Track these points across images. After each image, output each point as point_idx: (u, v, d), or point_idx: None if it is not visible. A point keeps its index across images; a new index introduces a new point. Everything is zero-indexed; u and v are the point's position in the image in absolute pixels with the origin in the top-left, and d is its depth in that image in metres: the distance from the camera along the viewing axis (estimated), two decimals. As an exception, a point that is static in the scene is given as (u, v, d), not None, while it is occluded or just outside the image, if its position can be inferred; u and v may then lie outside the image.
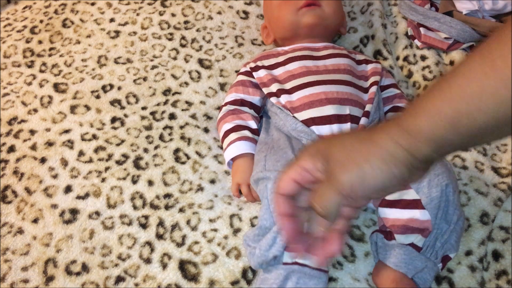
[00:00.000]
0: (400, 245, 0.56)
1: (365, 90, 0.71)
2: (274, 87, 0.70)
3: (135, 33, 0.88)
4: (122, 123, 0.75)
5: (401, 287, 0.55)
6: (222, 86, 0.81)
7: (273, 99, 0.70)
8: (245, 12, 0.92)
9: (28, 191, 0.68)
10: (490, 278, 0.59)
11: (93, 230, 0.63)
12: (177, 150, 0.72)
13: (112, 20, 0.90)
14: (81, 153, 0.71)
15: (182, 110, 0.77)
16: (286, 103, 0.69)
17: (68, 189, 0.67)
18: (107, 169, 0.69)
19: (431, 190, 0.56)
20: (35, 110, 0.76)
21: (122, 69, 0.82)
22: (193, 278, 0.59)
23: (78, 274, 0.60)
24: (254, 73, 0.74)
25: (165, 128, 0.74)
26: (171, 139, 0.73)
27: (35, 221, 0.65)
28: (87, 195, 0.67)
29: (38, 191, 0.67)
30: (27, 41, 0.88)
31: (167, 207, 0.65)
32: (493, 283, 0.59)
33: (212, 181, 0.69)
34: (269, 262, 0.55)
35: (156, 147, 0.72)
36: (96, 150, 0.71)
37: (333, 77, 0.70)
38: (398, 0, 0.92)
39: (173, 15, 0.90)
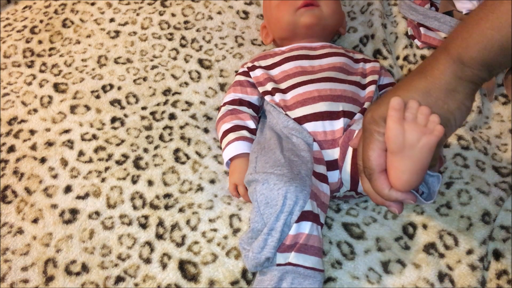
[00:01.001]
0: None
1: (363, 87, 0.71)
2: (269, 86, 0.71)
3: (135, 33, 0.88)
4: (122, 123, 0.75)
5: None
6: (222, 86, 0.81)
7: (267, 98, 0.70)
8: (245, 12, 0.92)
9: (28, 191, 0.68)
10: (491, 278, 0.59)
11: (93, 230, 0.63)
12: (177, 150, 0.72)
13: (112, 20, 0.90)
14: (81, 153, 0.71)
15: (182, 110, 0.77)
16: (280, 101, 0.69)
17: (68, 189, 0.67)
18: (107, 169, 0.69)
19: None
20: (35, 110, 0.76)
21: (122, 69, 0.82)
22: (193, 278, 0.59)
23: (78, 274, 0.60)
24: (251, 73, 0.74)
25: (165, 128, 0.74)
26: (171, 139, 0.73)
27: (35, 221, 0.65)
28: (87, 195, 0.67)
29: (38, 191, 0.67)
30: (27, 41, 0.88)
31: (167, 207, 0.65)
32: (494, 283, 0.59)
33: (212, 181, 0.69)
34: (262, 264, 0.55)
35: (156, 147, 0.72)
36: (96, 150, 0.71)
37: (327, 75, 0.70)
38: (398, 0, 0.92)
39: (173, 15, 0.90)
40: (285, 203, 0.55)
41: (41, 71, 0.83)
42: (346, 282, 0.58)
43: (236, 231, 0.63)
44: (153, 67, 0.82)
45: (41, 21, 0.91)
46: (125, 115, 0.76)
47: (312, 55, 0.74)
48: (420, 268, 0.60)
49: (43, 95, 0.78)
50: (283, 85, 0.71)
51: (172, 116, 0.76)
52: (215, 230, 0.63)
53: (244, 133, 0.68)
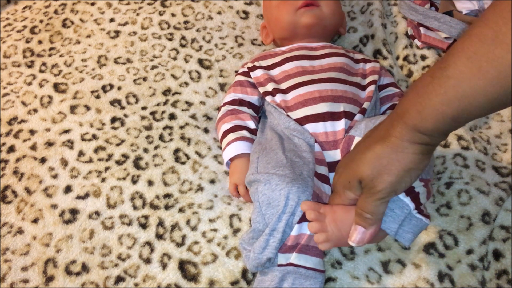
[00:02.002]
0: None
1: (363, 88, 0.71)
2: (270, 86, 0.71)
3: (135, 33, 0.88)
4: (122, 123, 0.75)
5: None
6: (222, 87, 0.81)
7: (268, 98, 0.70)
8: (245, 12, 0.92)
9: (28, 191, 0.68)
10: (491, 278, 0.59)
11: (93, 230, 0.63)
12: (177, 150, 0.72)
13: (112, 20, 0.90)
14: (81, 153, 0.71)
15: (182, 110, 0.77)
16: (280, 102, 0.69)
17: (68, 189, 0.67)
18: (107, 169, 0.69)
19: None
20: (35, 110, 0.76)
21: (122, 69, 0.82)
22: (193, 278, 0.59)
23: (78, 274, 0.60)
24: (251, 73, 0.74)
25: (165, 128, 0.74)
26: (171, 139, 0.73)
27: (35, 221, 0.65)
28: (87, 195, 0.67)
29: (38, 191, 0.67)
30: (27, 41, 0.88)
31: (167, 207, 0.65)
32: (494, 283, 0.59)
33: (212, 181, 0.69)
34: (263, 265, 0.55)
35: (156, 147, 0.72)
36: (96, 150, 0.71)
37: (328, 75, 0.70)
38: (398, 0, 0.92)
39: (173, 15, 0.90)
40: (287, 203, 0.55)
41: (41, 71, 0.83)
42: (346, 282, 0.59)
43: (236, 231, 0.63)
44: (153, 67, 0.82)
45: (41, 21, 0.91)
46: (125, 115, 0.76)
47: (313, 55, 0.74)
48: (420, 268, 0.60)
49: (43, 95, 0.78)
50: (283, 85, 0.71)
51: (172, 116, 0.76)
52: (215, 230, 0.63)
53: (244, 133, 0.68)
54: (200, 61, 0.84)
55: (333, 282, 0.59)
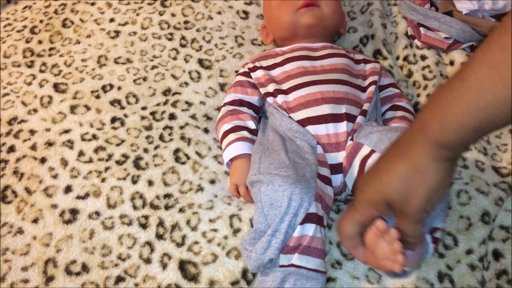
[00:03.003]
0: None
1: (363, 89, 0.71)
2: (271, 87, 0.71)
3: (135, 33, 0.88)
4: (122, 123, 0.75)
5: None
6: (222, 87, 0.81)
7: (269, 99, 0.70)
8: (245, 12, 0.92)
9: (28, 191, 0.68)
10: (490, 278, 0.59)
11: (93, 230, 0.63)
12: (177, 150, 0.72)
13: (112, 20, 0.90)
14: (81, 153, 0.71)
15: (182, 110, 0.77)
16: (282, 103, 0.69)
17: (68, 189, 0.67)
18: (107, 169, 0.69)
19: None
20: (35, 110, 0.76)
21: (122, 69, 0.82)
22: (193, 278, 0.59)
23: (78, 274, 0.60)
24: (252, 74, 0.74)
25: (165, 128, 0.74)
26: (171, 139, 0.73)
27: (35, 221, 0.65)
28: (87, 195, 0.67)
29: (38, 191, 0.67)
30: (27, 41, 0.88)
31: (167, 207, 0.65)
32: (494, 283, 0.59)
33: (212, 182, 0.69)
34: (265, 265, 0.55)
35: (156, 147, 0.72)
36: (96, 150, 0.71)
37: (329, 77, 0.70)
38: (398, 0, 0.92)
39: (173, 15, 0.90)
40: (290, 204, 0.55)
41: (41, 71, 0.82)
42: (346, 282, 0.59)
43: (236, 231, 0.63)
44: (153, 67, 0.82)
45: (41, 21, 0.91)
46: (125, 115, 0.76)
47: (314, 55, 0.74)
48: (420, 268, 0.60)
49: (43, 95, 0.78)
50: (284, 86, 0.70)
51: (172, 116, 0.76)
52: (215, 230, 0.63)
53: (245, 133, 0.68)
54: (200, 61, 0.84)
55: (333, 282, 0.59)
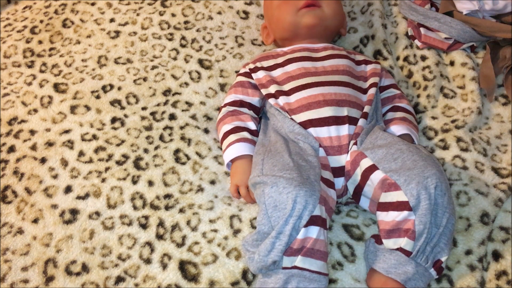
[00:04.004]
0: (389, 250, 0.56)
1: (364, 91, 0.71)
2: (272, 89, 0.70)
3: (135, 33, 0.88)
4: (122, 124, 0.75)
5: None
6: (222, 87, 0.81)
7: (271, 101, 0.70)
8: (245, 12, 0.92)
9: (28, 191, 0.68)
10: (490, 278, 0.59)
11: (93, 230, 0.63)
12: (177, 151, 0.72)
13: (112, 20, 0.90)
14: (81, 153, 0.71)
15: (182, 110, 0.77)
16: (284, 105, 0.69)
17: (68, 189, 0.67)
18: (107, 169, 0.69)
19: (419, 192, 0.55)
20: (35, 110, 0.76)
21: (122, 69, 0.82)
22: (193, 279, 0.59)
23: (78, 274, 0.60)
24: (253, 74, 0.74)
25: (165, 128, 0.74)
26: (171, 140, 0.73)
27: (35, 221, 0.65)
28: (87, 195, 0.67)
29: (38, 191, 0.67)
30: (27, 41, 0.88)
31: (167, 208, 0.65)
32: (493, 283, 0.59)
33: (212, 182, 0.69)
34: (268, 267, 0.55)
35: (156, 148, 0.72)
36: (96, 150, 0.71)
37: (331, 79, 0.70)
38: (398, 0, 0.92)
39: (173, 15, 0.90)
40: (295, 207, 0.54)
41: (41, 71, 0.82)
42: (347, 284, 0.59)
43: (236, 231, 0.63)
44: (153, 67, 0.82)
45: (41, 21, 0.91)
46: (125, 115, 0.76)
47: (315, 56, 0.74)
48: None
49: (43, 95, 0.78)
50: (286, 87, 0.70)
51: (172, 117, 0.76)
52: (215, 230, 0.63)
53: (245, 134, 0.68)
54: (200, 61, 0.84)
55: (334, 283, 0.59)
